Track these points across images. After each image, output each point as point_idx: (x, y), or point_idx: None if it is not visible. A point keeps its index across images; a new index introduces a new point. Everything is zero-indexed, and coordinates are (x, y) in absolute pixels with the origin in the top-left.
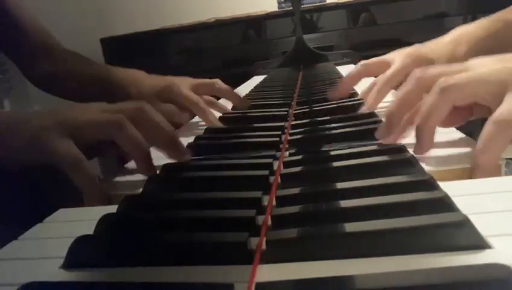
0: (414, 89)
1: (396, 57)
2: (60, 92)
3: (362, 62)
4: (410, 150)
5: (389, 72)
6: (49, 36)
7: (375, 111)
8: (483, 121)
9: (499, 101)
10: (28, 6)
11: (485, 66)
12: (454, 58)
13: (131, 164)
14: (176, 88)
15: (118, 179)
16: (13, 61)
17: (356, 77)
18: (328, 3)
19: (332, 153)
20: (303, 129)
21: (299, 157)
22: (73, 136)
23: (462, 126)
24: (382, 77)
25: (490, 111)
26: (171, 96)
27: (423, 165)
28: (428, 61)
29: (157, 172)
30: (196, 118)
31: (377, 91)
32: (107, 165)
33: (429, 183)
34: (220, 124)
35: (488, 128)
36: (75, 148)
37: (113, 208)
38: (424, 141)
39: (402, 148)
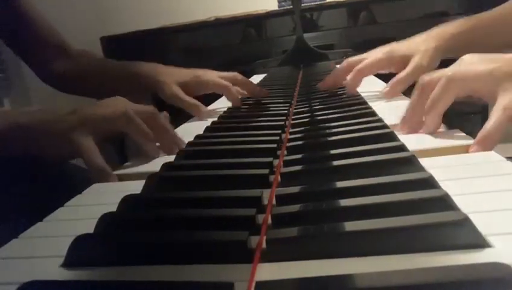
0: (422, 94)
1: (372, 54)
2: (76, 90)
3: (345, 60)
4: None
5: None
6: (60, 37)
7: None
8: (482, 120)
9: (492, 96)
10: (40, 8)
11: (481, 64)
12: (427, 53)
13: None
14: (204, 77)
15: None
16: (26, 63)
17: (342, 76)
18: (328, 2)
19: (332, 151)
20: (303, 128)
21: (299, 156)
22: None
23: (463, 126)
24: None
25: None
26: (199, 85)
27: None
28: (403, 58)
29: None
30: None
31: (352, 79)
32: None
33: (429, 182)
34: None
35: (498, 115)
36: (92, 144)
37: (112, 208)
38: (430, 122)
39: (402, 147)
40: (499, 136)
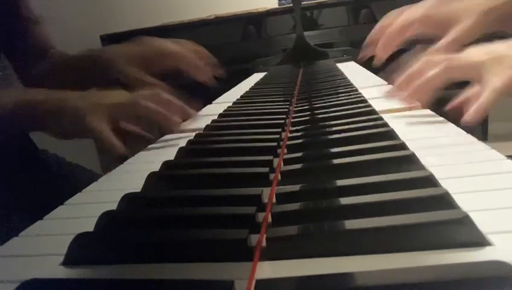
0: (421, 67)
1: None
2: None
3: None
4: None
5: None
6: (49, 39)
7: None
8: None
9: (480, 80)
10: (40, 9)
11: (479, 54)
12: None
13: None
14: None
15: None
16: (10, 62)
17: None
18: (328, 0)
19: (332, 150)
20: (303, 126)
21: (299, 154)
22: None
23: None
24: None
25: None
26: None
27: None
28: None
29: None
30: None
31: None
32: (106, 161)
33: (429, 181)
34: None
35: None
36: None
37: (113, 206)
38: (413, 91)
39: (402, 146)
40: (488, 110)
